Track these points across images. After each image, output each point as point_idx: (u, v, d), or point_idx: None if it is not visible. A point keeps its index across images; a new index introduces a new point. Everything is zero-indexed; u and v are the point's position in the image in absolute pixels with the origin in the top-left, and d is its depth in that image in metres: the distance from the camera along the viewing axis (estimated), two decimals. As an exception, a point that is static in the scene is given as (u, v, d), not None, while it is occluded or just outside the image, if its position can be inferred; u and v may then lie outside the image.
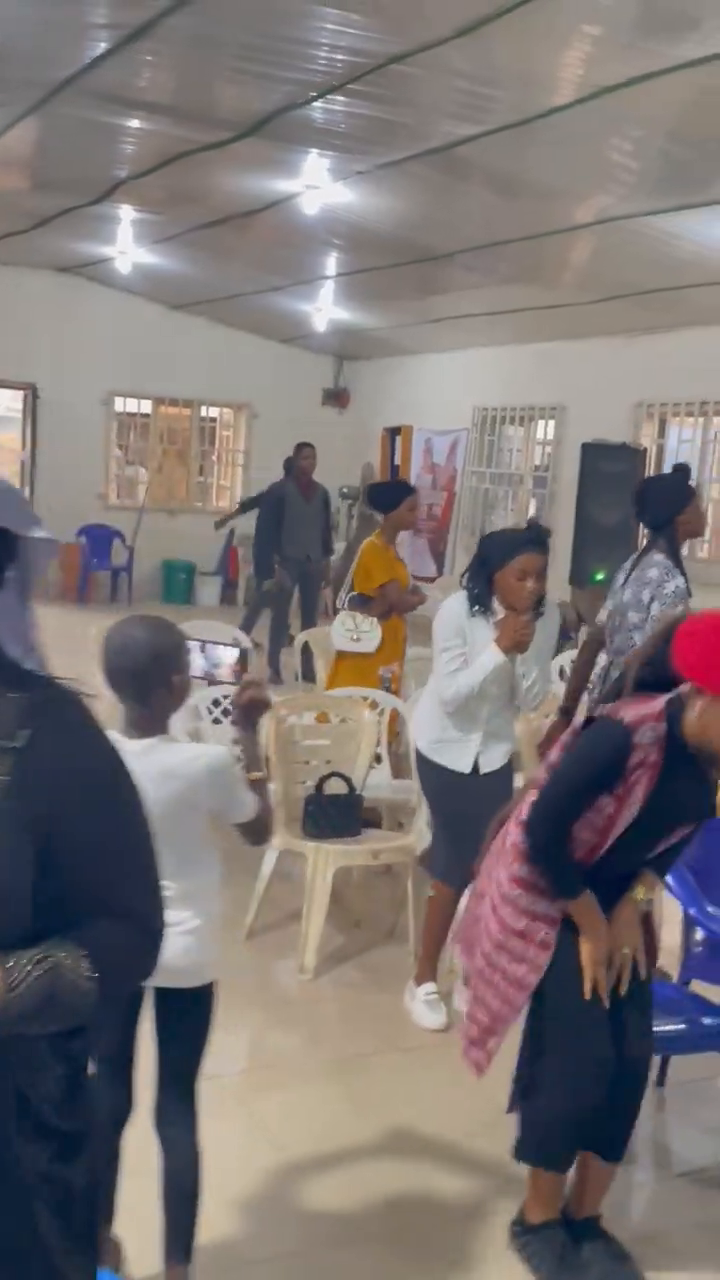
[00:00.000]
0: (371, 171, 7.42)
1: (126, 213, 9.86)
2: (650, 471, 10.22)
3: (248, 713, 2.49)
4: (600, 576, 9.97)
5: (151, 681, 2.31)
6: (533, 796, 2.61)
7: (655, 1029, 3.10)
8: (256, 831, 2.49)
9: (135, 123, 7.36)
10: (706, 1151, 3.26)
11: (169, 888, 2.34)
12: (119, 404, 13.87)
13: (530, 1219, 2.74)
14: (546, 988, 2.61)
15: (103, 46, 6.02)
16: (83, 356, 13.01)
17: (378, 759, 5.18)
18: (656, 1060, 3.60)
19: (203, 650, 2.59)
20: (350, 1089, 3.49)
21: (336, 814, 4.45)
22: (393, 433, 13.68)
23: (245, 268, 11.18)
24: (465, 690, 3.73)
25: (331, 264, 10.50)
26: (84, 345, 12.97)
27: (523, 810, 2.62)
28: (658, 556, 4.17)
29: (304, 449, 9.71)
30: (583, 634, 9.80)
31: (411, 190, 7.82)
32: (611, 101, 5.56)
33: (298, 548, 9.39)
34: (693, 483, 9.51)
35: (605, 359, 10.62)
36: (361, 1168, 3.12)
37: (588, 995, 2.54)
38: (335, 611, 6.02)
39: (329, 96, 6.15)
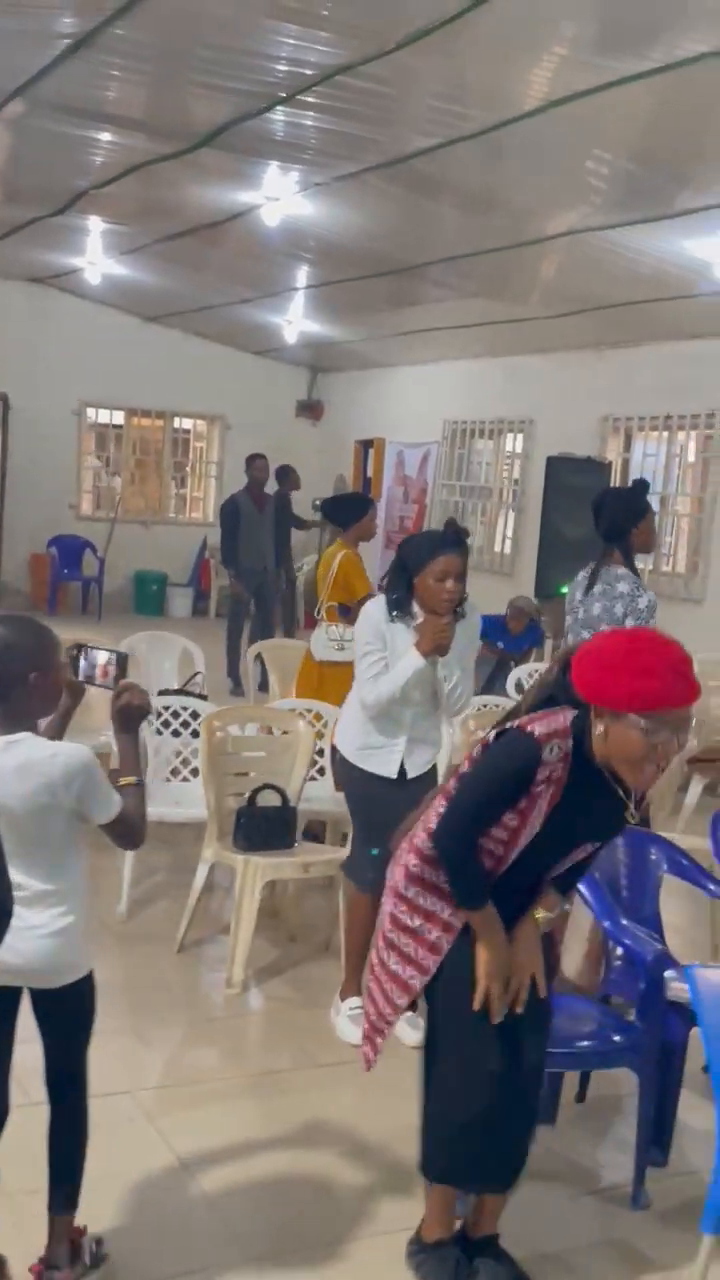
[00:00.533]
0: (330, 184, 7.43)
1: (95, 224, 9.89)
2: (615, 485, 10.24)
3: (123, 717, 2.54)
4: (566, 589, 9.98)
5: (5, 678, 2.33)
6: (442, 804, 2.59)
7: (569, 1045, 3.09)
8: (122, 834, 2.49)
9: (92, 133, 7.37)
10: (619, 1169, 3.22)
11: (37, 886, 2.36)
12: (92, 415, 13.87)
13: (426, 1237, 2.72)
14: (439, 999, 2.60)
15: (54, 55, 6.03)
16: (55, 367, 13.00)
17: (320, 771, 5.16)
18: (577, 1076, 3.59)
19: (84, 654, 2.61)
20: (264, 1105, 3.45)
21: (269, 826, 4.42)
22: (365, 445, 13.70)
23: (215, 280, 11.21)
24: (387, 695, 3.71)
25: (300, 276, 10.52)
26: (56, 355, 12.97)
27: (431, 817, 2.60)
28: (620, 570, 4.19)
29: (256, 460, 9.74)
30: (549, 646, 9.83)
31: (372, 203, 7.84)
32: (571, 114, 5.58)
33: (255, 558, 9.40)
34: (654, 496, 9.53)
35: (573, 373, 10.64)
36: (265, 1185, 3.08)
37: (477, 1007, 2.51)
38: (314, 622, 6.08)
39: (279, 108, 6.16)
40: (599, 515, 4.34)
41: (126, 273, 11.36)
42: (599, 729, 2.37)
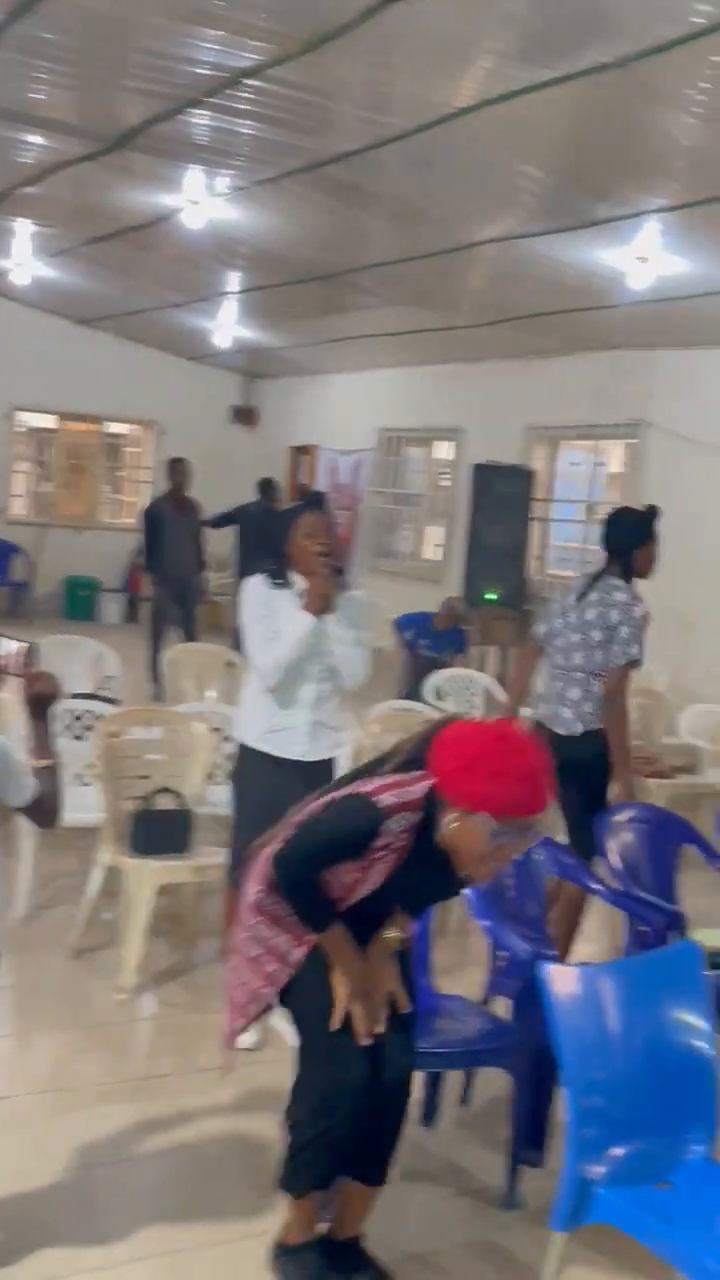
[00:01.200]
0: (251, 188, 7.43)
1: (20, 225, 9.79)
2: (541, 494, 10.33)
3: (35, 703, 2.65)
4: (491, 596, 10.04)
5: None
6: (287, 835, 2.58)
7: (439, 1045, 3.09)
8: (38, 815, 2.62)
9: (10, 133, 7.30)
10: (496, 1170, 3.22)
11: None
12: (23, 419, 13.73)
13: (288, 1240, 2.70)
14: (299, 1013, 2.60)
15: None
16: (-16, 369, 12.88)
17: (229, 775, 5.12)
18: (461, 1076, 3.59)
19: None
20: (141, 1110, 3.41)
21: (166, 829, 4.39)
22: (299, 452, 13.69)
23: (145, 283, 11.16)
24: (283, 658, 3.73)
25: (229, 281, 10.51)
26: (-15, 358, 12.84)
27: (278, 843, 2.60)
28: (617, 582, 4.39)
29: (176, 464, 9.71)
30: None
31: (296, 208, 7.84)
32: (490, 122, 5.61)
33: (177, 565, 9.36)
34: (579, 504, 9.58)
35: (500, 382, 10.73)
36: (137, 1189, 3.05)
37: (335, 1026, 2.51)
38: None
39: (194, 110, 6.15)
40: (608, 528, 4.55)
41: (56, 275, 11.27)
42: (447, 817, 2.37)
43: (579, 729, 4.36)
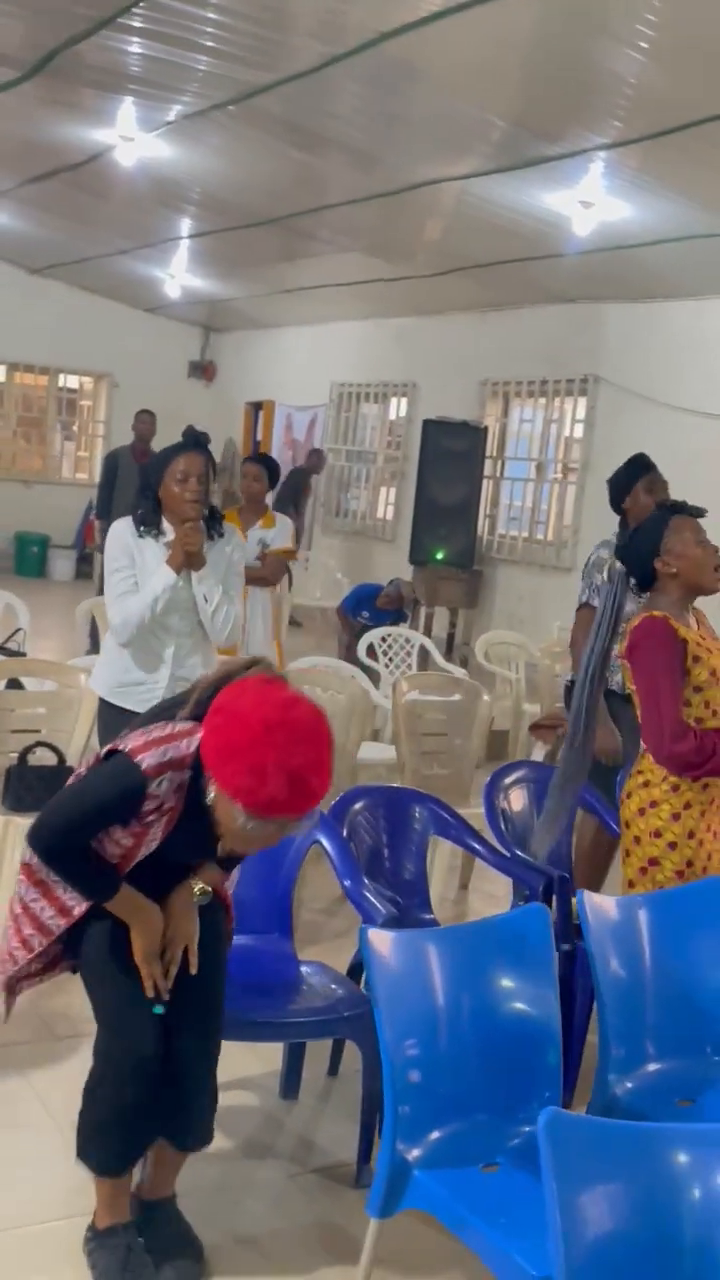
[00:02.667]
0: (180, 123, 7.14)
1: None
2: (491, 451, 10.10)
3: None
4: (440, 555, 9.81)
5: None
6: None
7: (284, 1015, 2.91)
8: None
9: None
10: (351, 1145, 3.04)
11: None
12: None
13: (99, 1224, 2.52)
14: (89, 977, 2.42)
15: None
16: (-70, 318, 12.53)
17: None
18: (329, 1045, 3.40)
19: None
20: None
21: (42, 787, 4.17)
22: (255, 407, 13.41)
23: (93, 228, 10.84)
24: (137, 614, 3.50)
25: (177, 227, 10.22)
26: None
27: None
28: (610, 537, 4.34)
29: (142, 415, 9.59)
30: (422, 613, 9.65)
31: (234, 146, 7.57)
32: (427, 52, 5.36)
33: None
34: (529, 462, 9.33)
35: (454, 336, 10.46)
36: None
37: (150, 994, 2.35)
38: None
39: (104, 33, 5.86)
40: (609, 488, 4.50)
41: (4, 221, 10.94)
42: (210, 791, 2.13)
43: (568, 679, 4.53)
